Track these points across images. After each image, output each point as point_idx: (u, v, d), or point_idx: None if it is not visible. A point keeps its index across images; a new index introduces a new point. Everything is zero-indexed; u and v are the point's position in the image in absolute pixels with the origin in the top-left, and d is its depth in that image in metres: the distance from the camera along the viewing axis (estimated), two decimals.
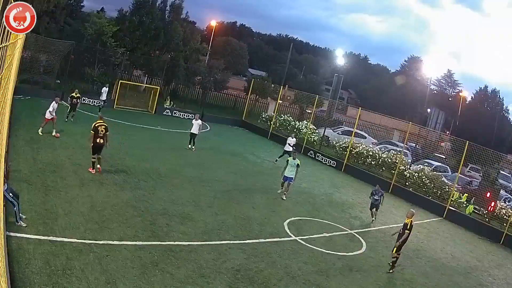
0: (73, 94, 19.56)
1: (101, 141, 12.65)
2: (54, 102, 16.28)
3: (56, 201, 9.97)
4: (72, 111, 19.47)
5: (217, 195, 13.47)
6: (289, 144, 20.99)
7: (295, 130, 27.69)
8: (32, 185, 10.54)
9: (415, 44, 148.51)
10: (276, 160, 20.49)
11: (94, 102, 25.29)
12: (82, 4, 47.52)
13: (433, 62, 46.62)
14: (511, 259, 15.01)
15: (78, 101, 19.69)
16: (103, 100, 23.83)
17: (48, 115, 16.07)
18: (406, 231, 10.54)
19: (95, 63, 28.67)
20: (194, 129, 19.17)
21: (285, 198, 14.64)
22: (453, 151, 24.81)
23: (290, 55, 48.83)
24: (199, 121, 19.56)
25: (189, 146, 19.22)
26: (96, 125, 12.77)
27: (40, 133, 15.51)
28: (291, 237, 11.48)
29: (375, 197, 14.44)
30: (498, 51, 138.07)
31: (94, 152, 12.63)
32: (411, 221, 10.65)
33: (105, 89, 23.98)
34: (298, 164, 14.72)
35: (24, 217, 8.54)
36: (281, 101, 33.33)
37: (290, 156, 19.97)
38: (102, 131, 12.78)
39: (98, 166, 12.73)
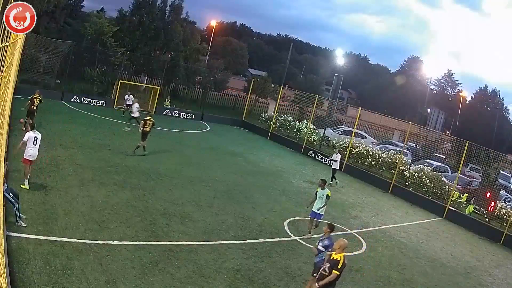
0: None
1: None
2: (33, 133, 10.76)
3: (56, 201, 9.97)
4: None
5: (217, 195, 13.47)
6: (335, 161, 19.04)
7: (295, 130, 27.71)
8: (32, 185, 10.53)
9: (415, 44, 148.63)
10: (336, 183, 18.68)
11: (94, 102, 25.31)
12: (82, 4, 47.53)
13: (433, 62, 46.70)
14: (511, 259, 15.01)
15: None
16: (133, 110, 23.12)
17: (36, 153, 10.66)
18: (334, 271, 7.13)
19: (95, 63, 28.66)
20: (134, 113, 20.33)
21: (310, 236, 11.62)
22: (453, 151, 24.81)
23: (290, 55, 48.77)
24: (137, 105, 20.73)
25: (127, 129, 20.15)
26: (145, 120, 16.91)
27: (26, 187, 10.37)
28: (291, 237, 11.48)
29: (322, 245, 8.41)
30: (498, 51, 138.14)
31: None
32: (344, 257, 7.26)
33: (127, 97, 23.93)
34: (328, 195, 11.76)
35: (24, 217, 8.55)
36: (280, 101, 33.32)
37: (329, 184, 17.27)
38: (149, 124, 16.67)
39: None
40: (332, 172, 19.00)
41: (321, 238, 8.61)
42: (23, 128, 14.37)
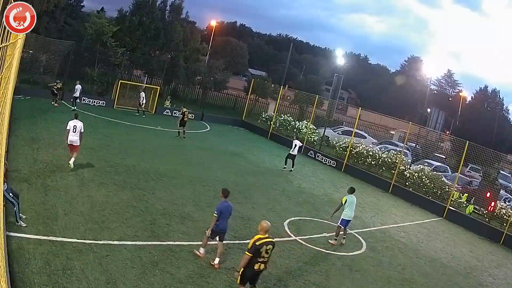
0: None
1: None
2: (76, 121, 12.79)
3: (56, 201, 9.97)
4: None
5: (217, 195, 13.31)
6: (294, 146, 19.29)
7: (295, 130, 27.69)
8: (32, 185, 10.54)
9: (415, 44, 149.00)
10: (285, 168, 19.39)
11: (94, 102, 25.33)
12: (82, 4, 47.64)
13: (433, 62, 46.71)
14: (511, 259, 15.01)
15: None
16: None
17: (75, 139, 12.57)
18: (245, 253, 7.10)
19: (95, 63, 28.66)
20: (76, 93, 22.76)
21: (344, 242, 11.77)
22: (453, 151, 24.81)
23: (290, 55, 48.79)
24: (79, 86, 22.85)
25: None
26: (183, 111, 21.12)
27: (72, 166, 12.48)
28: (291, 237, 11.47)
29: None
30: (498, 51, 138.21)
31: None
32: (256, 239, 7.06)
33: (142, 95, 25.63)
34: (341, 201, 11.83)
35: (24, 217, 8.54)
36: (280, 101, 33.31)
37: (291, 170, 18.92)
38: (186, 115, 21.45)
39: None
40: (292, 158, 19.26)
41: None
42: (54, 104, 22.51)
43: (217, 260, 8.77)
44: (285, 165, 19.48)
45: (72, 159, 12.52)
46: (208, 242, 9.11)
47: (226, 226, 8.89)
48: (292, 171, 19.31)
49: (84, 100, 25.05)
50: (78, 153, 12.79)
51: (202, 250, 8.99)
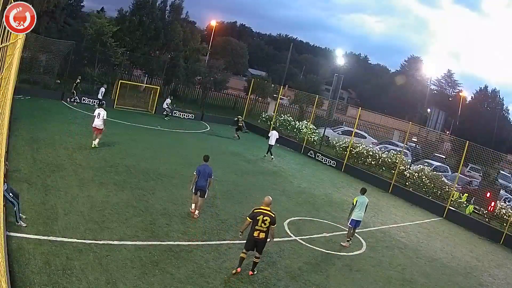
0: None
1: None
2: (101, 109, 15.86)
3: (56, 201, 9.97)
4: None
5: (217, 195, 13.46)
6: (269, 137, 21.62)
7: (295, 130, 27.71)
8: (32, 185, 10.54)
9: (415, 44, 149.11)
10: (265, 156, 21.37)
11: (94, 102, 25.31)
12: (82, 4, 47.65)
13: (433, 62, 46.74)
14: (511, 259, 15.01)
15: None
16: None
17: (99, 123, 15.60)
18: (247, 218, 8.78)
19: (95, 63, 28.66)
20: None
21: (349, 245, 11.77)
22: (453, 151, 24.80)
23: (290, 55, 48.82)
24: (102, 89, 24.87)
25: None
26: None
27: (96, 145, 15.44)
28: (291, 237, 11.47)
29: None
30: (498, 51, 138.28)
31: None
32: (255, 208, 8.75)
33: (168, 101, 27.26)
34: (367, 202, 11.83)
35: (24, 217, 8.54)
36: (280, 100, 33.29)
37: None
38: (240, 121, 25.74)
39: None
40: (269, 148, 21.38)
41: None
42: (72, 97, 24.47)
43: (193, 207, 11.08)
44: (266, 154, 21.38)
45: (97, 140, 15.38)
46: (209, 242, 9.08)
47: (205, 184, 10.94)
48: (273, 159, 21.10)
49: (84, 100, 25.06)
50: (85, 139, 15.59)
51: (193, 206, 11.14)
